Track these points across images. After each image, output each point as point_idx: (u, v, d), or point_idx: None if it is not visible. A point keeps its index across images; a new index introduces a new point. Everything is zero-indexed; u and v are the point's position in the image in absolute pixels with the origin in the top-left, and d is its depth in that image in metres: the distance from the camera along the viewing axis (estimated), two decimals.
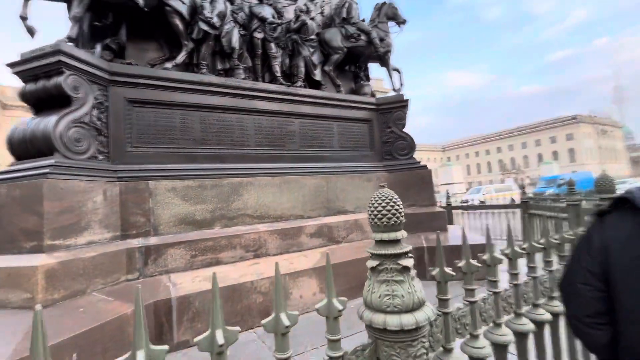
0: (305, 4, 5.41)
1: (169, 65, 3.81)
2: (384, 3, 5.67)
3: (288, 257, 3.83)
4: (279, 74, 4.61)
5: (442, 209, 4.98)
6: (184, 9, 3.88)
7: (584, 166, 61.85)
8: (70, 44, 3.22)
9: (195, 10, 4.00)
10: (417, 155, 5.37)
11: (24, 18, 3.16)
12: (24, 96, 3.07)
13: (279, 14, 4.85)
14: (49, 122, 2.83)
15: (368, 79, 6.17)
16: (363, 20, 5.60)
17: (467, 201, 17.06)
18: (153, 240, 3.26)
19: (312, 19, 5.35)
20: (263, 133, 4.34)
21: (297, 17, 4.89)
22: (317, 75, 4.98)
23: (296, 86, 4.70)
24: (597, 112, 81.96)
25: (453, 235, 4.75)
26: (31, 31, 3.18)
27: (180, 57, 3.92)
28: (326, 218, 4.44)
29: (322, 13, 5.58)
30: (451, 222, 7.14)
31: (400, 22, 5.67)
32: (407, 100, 5.29)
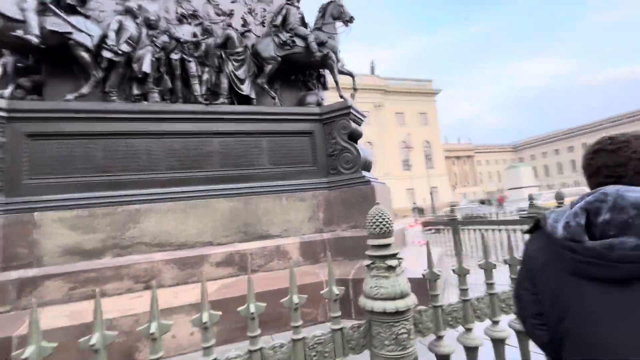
0: (242, 17, 5.21)
1: (70, 96, 3.90)
2: (330, 2, 5.16)
3: (180, 289, 3.55)
4: (198, 93, 4.44)
5: None
6: (87, 41, 3.97)
7: None
8: None
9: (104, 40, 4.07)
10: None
11: None
12: None
13: (207, 31, 4.70)
14: None
15: (323, 87, 5.67)
16: (305, 26, 5.16)
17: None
18: (32, 272, 3.28)
19: (248, 31, 5.11)
20: (176, 156, 4.18)
21: (224, 31, 4.70)
22: (245, 89, 4.68)
23: (216, 103, 4.47)
24: None
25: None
26: None
27: (86, 88, 4.01)
28: (241, 244, 4.05)
29: (262, 24, 5.30)
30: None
31: (347, 20, 5.09)
32: (349, 107, 4.66)
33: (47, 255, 3.41)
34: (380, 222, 1.33)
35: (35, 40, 3.67)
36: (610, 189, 0.78)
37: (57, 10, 3.84)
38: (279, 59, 4.83)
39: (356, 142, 5.12)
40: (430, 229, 8.58)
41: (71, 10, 4.07)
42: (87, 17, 4.19)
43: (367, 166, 4.92)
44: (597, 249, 0.73)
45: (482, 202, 46.45)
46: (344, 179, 4.59)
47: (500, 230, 6.43)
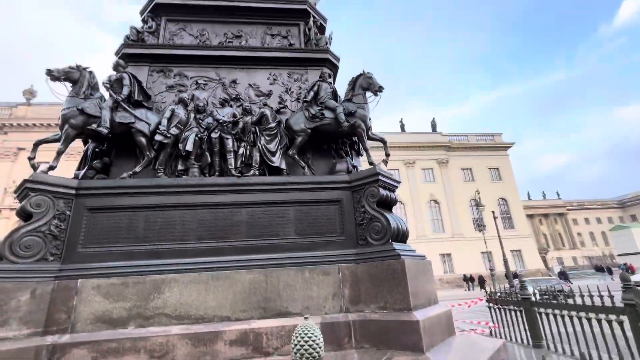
0: (279, 96, 5.70)
1: (125, 175, 4.53)
2: (359, 75, 5.38)
3: None
4: (232, 166, 4.77)
5: (416, 319, 3.53)
6: (145, 128, 4.71)
7: None
8: (51, 171, 4.31)
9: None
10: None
11: (30, 158, 4.47)
12: (18, 213, 4.15)
13: (246, 111, 5.22)
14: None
15: (357, 154, 5.66)
16: (336, 99, 5.39)
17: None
18: (65, 339, 3.52)
19: (283, 107, 5.54)
20: (206, 226, 4.38)
21: (260, 111, 5.17)
22: (276, 161, 4.89)
23: (247, 175, 4.72)
24: None
25: None
26: (34, 167, 4.42)
27: (139, 167, 4.64)
28: (259, 322, 3.84)
29: (298, 100, 5.71)
30: None
31: (376, 90, 5.19)
32: (377, 173, 4.48)
33: (81, 322, 3.66)
34: (303, 348, 1.07)
35: (104, 131, 4.47)
36: None
37: (125, 106, 4.70)
38: (309, 130, 5.03)
39: (390, 210, 4.80)
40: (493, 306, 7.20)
41: (138, 105, 4.95)
42: (149, 109, 5.04)
43: (402, 236, 4.49)
44: None
45: (598, 268, 38.09)
46: (372, 251, 4.22)
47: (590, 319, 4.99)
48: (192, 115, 5.01)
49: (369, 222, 4.43)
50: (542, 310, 5.77)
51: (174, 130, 4.77)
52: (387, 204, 4.69)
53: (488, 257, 37.98)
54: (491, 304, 7.31)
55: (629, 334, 4.28)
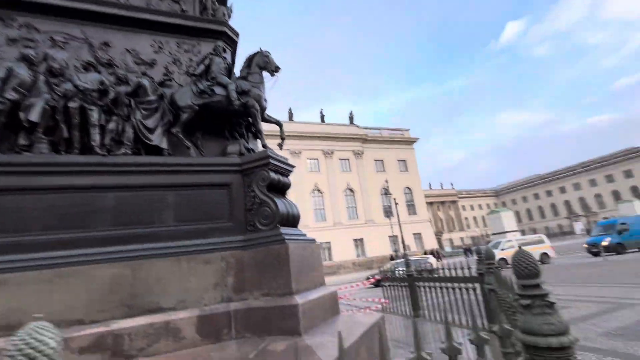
0: (165, 67, 5.02)
1: None
2: (256, 53, 5.08)
3: None
4: (96, 143, 4.01)
5: (295, 303, 3.53)
6: None
7: None
8: None
9: None
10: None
11: None
12: None
13: (120, 80, 4.44)
14: None
15: (255, 137, 5.37)
16: (230, 76, 4.99)
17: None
18: None
19: (169, 80, 4.89)
20: (57, 213, 3.60)
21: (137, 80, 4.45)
22: (155, 139, 4.30)
23: (116, 154, 4.04)
24: None
25: (306, 350, 3.23)
26: None
27: None
28: (121, 322, 3.32)
29: (187, 74, 5.12)
30: None
31: (273, 70, 4.97)
32: (268, 157, 4.30)
33: None
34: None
35: None
36: None
37: None
38: (197, 107, 4.55)
39: (283, 195, 4.69)
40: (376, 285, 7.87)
41: None
42: None
43: (292, 221, 4.43)
44: None
45: (465, 250, 45.60)
46: (259, 237, 4.05)
47: (458, 288, 5.81)
48: (43, 78, 4.03)
49: (258, 207, 4.23)
50: (420, 284, 6.52)
51: (10, 95, 3.76)
52: (280, 189, 4.57)
53: (394, 240, 42.10)
54: (383, 282, 8.01)
55: (480, 298, 5.08)
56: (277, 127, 5.23)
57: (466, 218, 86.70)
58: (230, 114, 4.85)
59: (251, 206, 4.29)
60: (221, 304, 3.73)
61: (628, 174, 68.33)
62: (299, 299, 3.57)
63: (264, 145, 4.67)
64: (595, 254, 19.88)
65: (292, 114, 44.67)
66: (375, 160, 46.74)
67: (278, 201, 4.22)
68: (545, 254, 20.45)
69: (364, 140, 46.23)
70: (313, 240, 4.59)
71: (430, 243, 46.60)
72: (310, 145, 42.57)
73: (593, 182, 74.17)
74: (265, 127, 5.00)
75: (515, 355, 2.28)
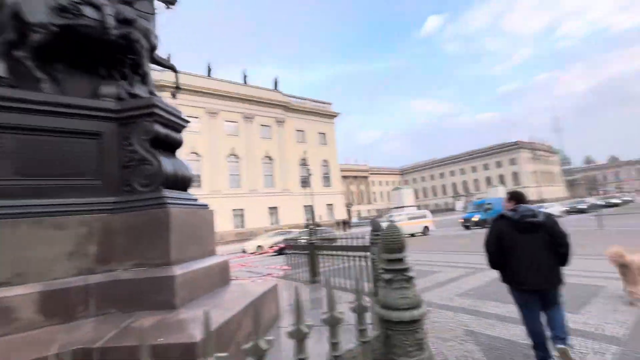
0: None
1: None
2: None
3: None
4: None
5: (171, 274, 3.17)
6: None
7: (526, 189, 64.95)
8: None
9: None
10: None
11: None
12: None
13: None
14: None
15: (143, 80, 4.45)
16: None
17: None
18: None
19: None
20: None
21: None
22: None
23: None
24: (536, 139, 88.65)
25: (178, 322, 2.90)
26: None
27: None
28: None
29: None
30: None
31: (168, 1, 4.10)
32: (154, 105, 3.60)
33: None
34: None
35: None
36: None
37: None
38: (55, 28, 3.47)
39: (172, 153, 4.08)
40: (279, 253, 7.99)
41: None
42: None
43: (181, 183, 3.90)
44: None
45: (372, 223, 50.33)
46: (136, 199, 3.44)
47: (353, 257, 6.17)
48: None
49: (138, 164, 3.56)
50: (320, 252, 6.76)
51: None
52: (168, 145, 3.95)
53: (310, 210, 43.58)
54: (287, 250, 8.15)
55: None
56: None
57: (374, 192, 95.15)
58: (106, 47, 3.87)
59: (128, 163, 3.58)
60: (77, 277, 3.09)
61: (499, 164, 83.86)
62: (178, 270, 3.19)
63: (150, 92, 3.91)
64: (467, 227, 24.23)
65: (210, 69, 40.52)
66: (297, 131, 46.50)
67: (163, 159, 3.62)
68: (426, 227, 23.86)
69: (287, 108, 45.22)
70: (205, 206, 4.16)
71: (341, 214, 49.84)
72: (229, 107, 39.64)
73: (474, 169, 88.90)
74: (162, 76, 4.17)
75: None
